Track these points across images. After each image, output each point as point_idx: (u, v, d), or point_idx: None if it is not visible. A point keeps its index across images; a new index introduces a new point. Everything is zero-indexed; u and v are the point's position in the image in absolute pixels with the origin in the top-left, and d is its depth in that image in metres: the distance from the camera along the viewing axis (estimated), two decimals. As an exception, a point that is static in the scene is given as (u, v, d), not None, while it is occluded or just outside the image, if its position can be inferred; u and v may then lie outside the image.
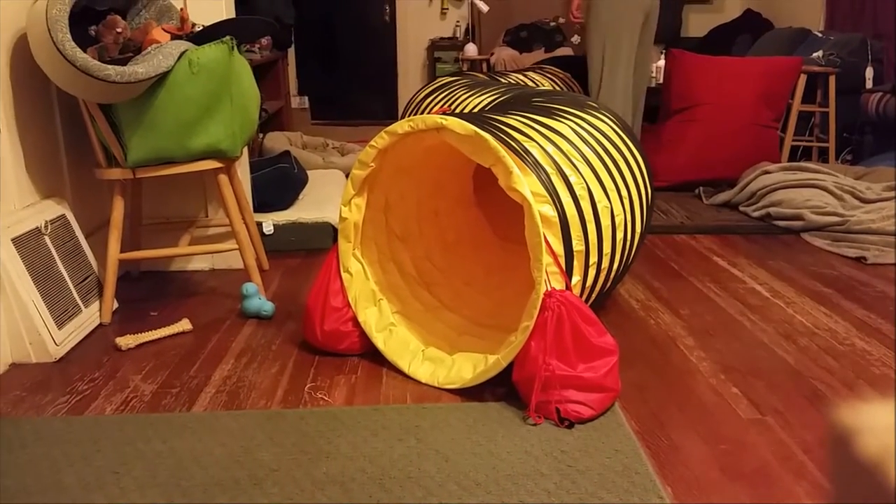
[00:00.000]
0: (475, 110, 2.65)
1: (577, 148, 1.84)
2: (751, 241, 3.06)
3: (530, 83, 3.60)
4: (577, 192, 1.74)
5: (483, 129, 1.68)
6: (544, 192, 1.65)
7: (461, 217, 2.41)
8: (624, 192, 1.91)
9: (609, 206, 1.83)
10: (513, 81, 3.46)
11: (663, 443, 1.54)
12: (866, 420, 0.38)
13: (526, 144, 1.74)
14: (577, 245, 1.70)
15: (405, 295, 2.05)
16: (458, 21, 6.45)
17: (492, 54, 5.85)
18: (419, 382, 1.81)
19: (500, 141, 1.67)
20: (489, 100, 2.67)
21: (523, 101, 2.22)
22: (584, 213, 1.73)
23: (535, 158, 1.71)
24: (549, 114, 1.96)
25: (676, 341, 2.06)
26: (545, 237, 1.63)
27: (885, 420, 0.37)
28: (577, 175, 1.77)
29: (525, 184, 1.62)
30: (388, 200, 2.03)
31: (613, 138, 2.01)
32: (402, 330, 1.95)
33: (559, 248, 1.65)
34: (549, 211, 1.65)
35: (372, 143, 1.82)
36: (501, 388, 1.74)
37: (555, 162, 1.75)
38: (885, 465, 0.35)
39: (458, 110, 2.79)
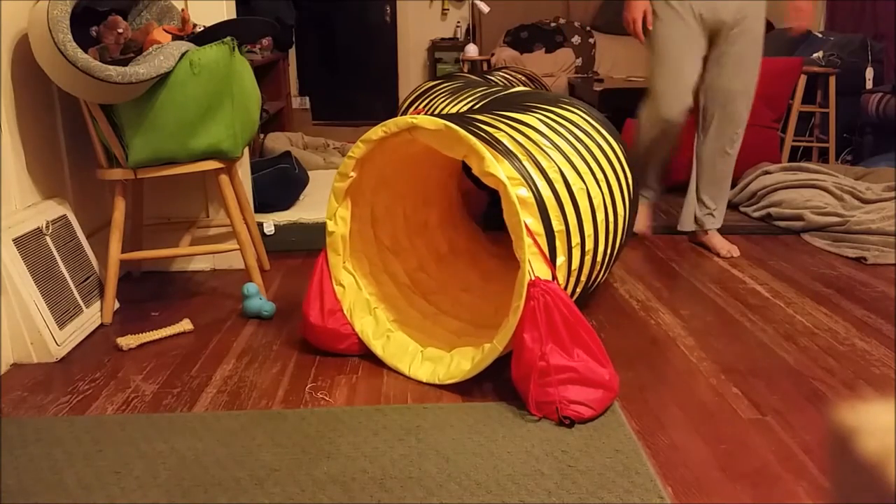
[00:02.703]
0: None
1: (546, 137, 1.87)
2: (751, 241, 3.06)
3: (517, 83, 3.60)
4: (551, 176, 1.75)
5: (452, 123, 1.69)
6: (518, 176, 1.67)
7: (452, 229, 2.42)
8: (600, 175, 1.92)
9: (585, 187, 1.84)
10: (498, 81, 3.46)
11: (663, 443, 1.55)
12: (866, 420, 0.38)
13: (496, 135, 1.76)
14: (557, 225, 1.71)
15: (401, 304, 2.05)
16: (458, 21, 6.45)
17: (492, 55, 5.85)
18: (420, 382, 1.81)
19: (470, 132, 1.69)
20: (468, 106, 2.69)
21: (498, 103, 2.24)
22: (560, 194, 1.75)
23: (505, 146, 1.73)
24: (519, 109, 1.99)
25: (676, 341, 2.06)
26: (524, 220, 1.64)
27: (885, 420, 0.38)
28: (549, 160, 1.79)
29: (499, 167, 1.64)
30: (374, 213, 2.04)
31: (585, 126, 2.02)
32: (399, 334, 1.95)
33: (538, 228, 1.66)
34: (525, 192, 1.67)
35: (349, 153, 1.84)
36: (502, 388, 1.74)
37: (525, 149, 1.77)
38: (885, 465, 0.35)
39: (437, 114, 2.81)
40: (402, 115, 3.15)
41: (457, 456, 1.49)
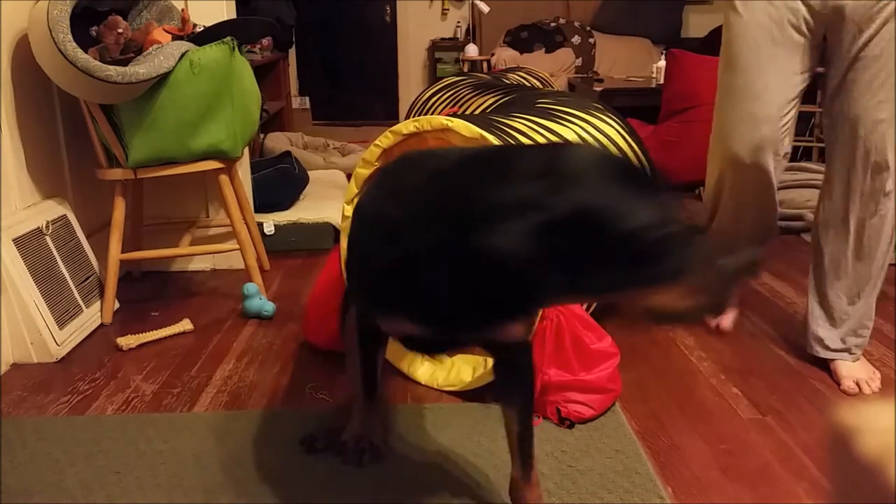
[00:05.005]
0: (479, 111, 2.65)
1: None
2: (751, 241, 3.06)
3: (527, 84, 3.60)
4: None
5: (489, 132, 1.68)
6: None
7: None
8: None
9: None
10: (514, 82, 3.45)
11: (664, 443, 1.55)
12: (866, 420, 0.38)
13: None
14: None
15: None
16: (458, 21, 6.45)
17: (492, 55, 5.85)
18: (420, 383, 1.81)
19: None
20: (492, 101, 2.67)
21: (527, 104, 2.21)
22: None
23: None
24: (554, 118, 1.96)
25: (676, 341, 2.06)
26: None
27: (885, 420, 0.38)
28: None
29: None
30: None
31: (619, 142, 2.00)
32: None
33: None
34: None
35: (377, 142, 1.82)
36: (502, 389, 1.74)
37: None
38: (885, 465, 0.35)
39: (463, 111, 2.79)
40: (420, 107, 3.15)
41: (457, 456, 1.49)
